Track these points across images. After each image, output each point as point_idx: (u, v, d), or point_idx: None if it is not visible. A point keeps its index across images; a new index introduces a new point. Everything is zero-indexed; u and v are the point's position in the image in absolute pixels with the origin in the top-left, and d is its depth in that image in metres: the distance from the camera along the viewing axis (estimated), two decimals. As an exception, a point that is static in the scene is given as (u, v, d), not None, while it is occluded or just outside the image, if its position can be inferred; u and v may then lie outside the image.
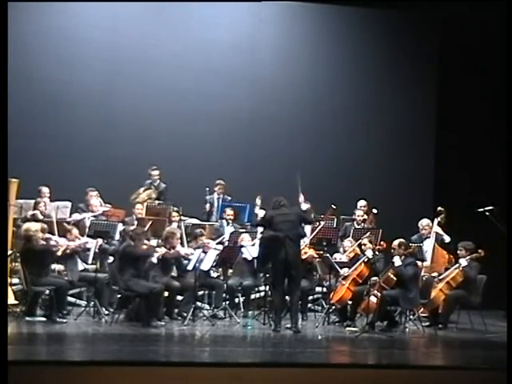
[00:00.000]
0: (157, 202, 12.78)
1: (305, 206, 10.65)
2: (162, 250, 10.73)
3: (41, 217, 11.39)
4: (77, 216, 11.95)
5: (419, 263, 11.12)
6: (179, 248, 10.94)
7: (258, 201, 12.19)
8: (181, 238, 11.28)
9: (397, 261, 10.54)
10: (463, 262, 11.02)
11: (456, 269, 11.11)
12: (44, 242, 10.30)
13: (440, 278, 11.15)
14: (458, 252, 11.21)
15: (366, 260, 10.90)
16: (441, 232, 11.93)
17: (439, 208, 12.09)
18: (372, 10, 14.84)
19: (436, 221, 11.99)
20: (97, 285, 10.77)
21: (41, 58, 13.94)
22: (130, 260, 10.27)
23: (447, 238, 11.92)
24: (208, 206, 13.17)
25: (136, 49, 14.36)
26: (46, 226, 10.49)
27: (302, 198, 10.62)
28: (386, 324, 10.65)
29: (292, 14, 15.03)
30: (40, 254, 10.17)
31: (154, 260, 10.61)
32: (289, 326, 10.25)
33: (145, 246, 10.51)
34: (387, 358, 9.16)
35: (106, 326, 10.10)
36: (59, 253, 10.57)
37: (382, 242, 11.21)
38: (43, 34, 13.99)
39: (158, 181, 13.16)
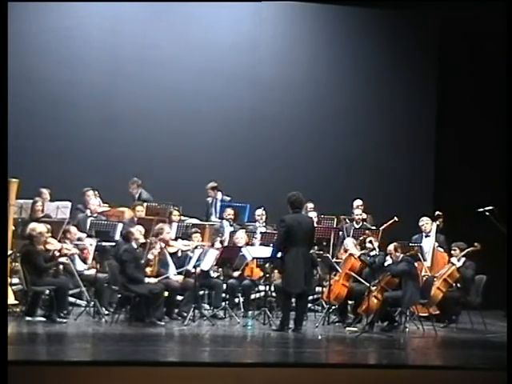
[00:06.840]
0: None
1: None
2: (157, 247, 10.74)
3: (41, 214, 11.40)
4: (77, 213, 11.97)
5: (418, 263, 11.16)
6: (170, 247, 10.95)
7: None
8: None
9: (388, 260, 10.64)
10: (454, 260, 11.19)
11: (452, 266, 11.20)
12: (45, 244, 10.32)
13: (437, 275, 11.22)
14: (452, 252, 11.35)
15: (355, 255, 10.97)
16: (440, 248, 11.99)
17: (437, 212, 12.09)
18: (372, 10, 14.83)
19: (435, 224, 11.99)
20: (97, 285, 10.78)
21: (41, 57, 13.93)
22: (129, 261, 10.27)
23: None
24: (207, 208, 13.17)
25: (136, 49, 14.35)
26: (49, 226, 10.53)
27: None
28: (386, 324, 10.66)
29: (292, 14, 15.03)
30: (40, 254, 10.16)
31: (150, 256, 10.59)
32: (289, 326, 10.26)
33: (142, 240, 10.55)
34: (387, 357, 9.17)
35: (106, 326, 10.10)
36: (61, 259, 10.59)
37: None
38: (43, 33, 13.98)
39: (140, 191, 12.82)
